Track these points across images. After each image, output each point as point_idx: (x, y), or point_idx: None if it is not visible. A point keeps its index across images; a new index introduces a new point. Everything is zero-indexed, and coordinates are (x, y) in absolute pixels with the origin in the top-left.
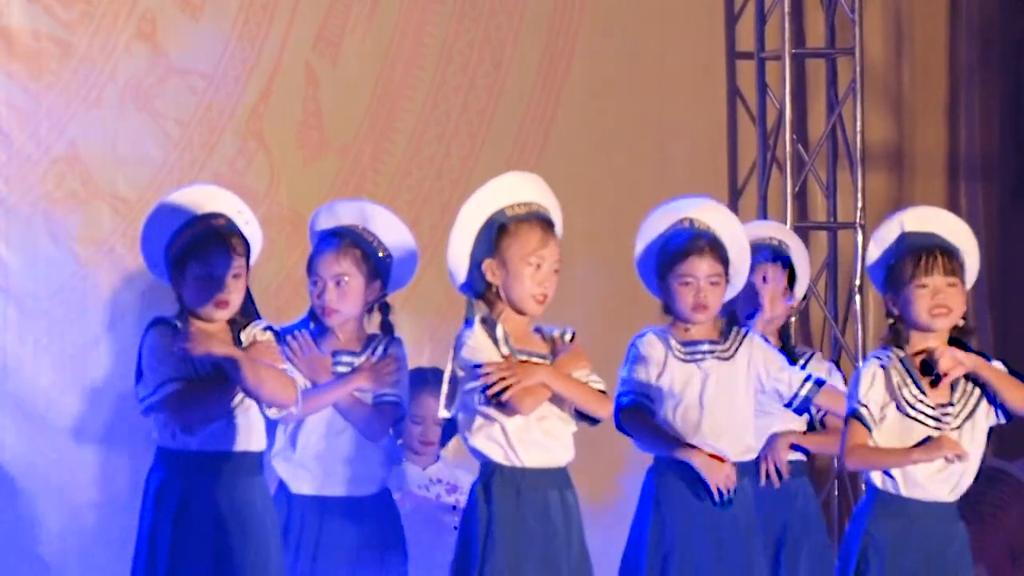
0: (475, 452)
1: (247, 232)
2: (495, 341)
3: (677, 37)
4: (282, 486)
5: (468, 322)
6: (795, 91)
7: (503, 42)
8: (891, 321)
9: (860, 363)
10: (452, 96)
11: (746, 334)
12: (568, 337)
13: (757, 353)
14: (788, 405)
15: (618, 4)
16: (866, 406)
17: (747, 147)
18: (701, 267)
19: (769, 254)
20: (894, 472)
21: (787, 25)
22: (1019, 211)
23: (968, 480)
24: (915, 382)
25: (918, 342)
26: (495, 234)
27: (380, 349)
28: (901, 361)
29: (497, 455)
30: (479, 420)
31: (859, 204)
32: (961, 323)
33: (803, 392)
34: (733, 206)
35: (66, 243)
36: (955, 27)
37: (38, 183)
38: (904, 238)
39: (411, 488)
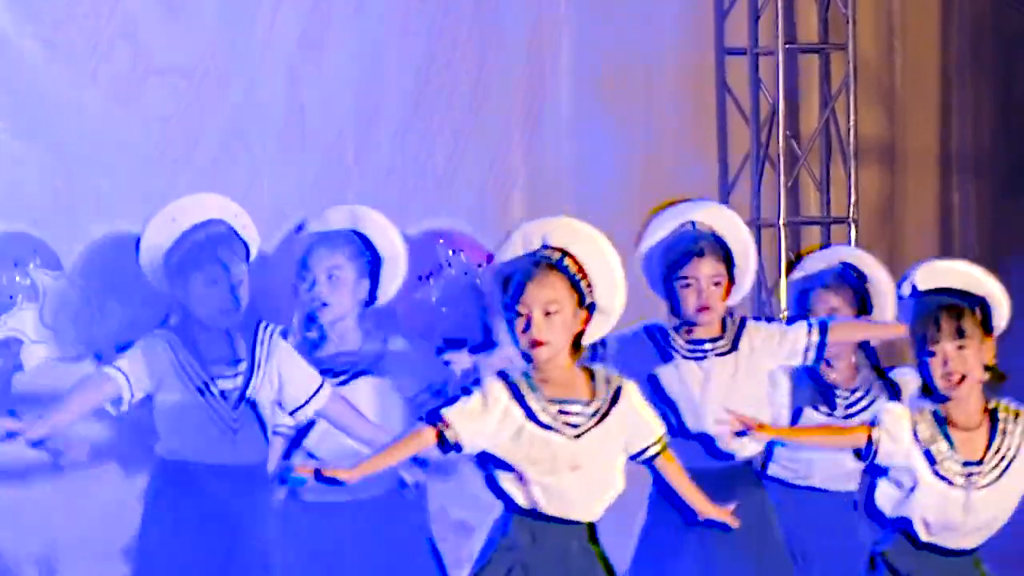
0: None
1: (246, 236)
2: (516, 397)
3: (665, 33)
4: (293, 495)
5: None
6: (788, 86)
7: (487, 39)
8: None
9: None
10: (436, 95)
11: (743, 323)
12: (614, 386)
13: (756, 337)
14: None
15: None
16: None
17: (737, 142)
18: (702, 268)
19: (830, 278)
20: (916, 524)
21: (780, 21)
22: (1011, 206)
23: (993, 533)
24: (945, 436)
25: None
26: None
27: None
28: (933, 413)
29: (518, 498)
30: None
31: (852, 199)
32: (986, 377)
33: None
34: (724, 201)
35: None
36: (947, 23)
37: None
38: (917, 300)
39: None
